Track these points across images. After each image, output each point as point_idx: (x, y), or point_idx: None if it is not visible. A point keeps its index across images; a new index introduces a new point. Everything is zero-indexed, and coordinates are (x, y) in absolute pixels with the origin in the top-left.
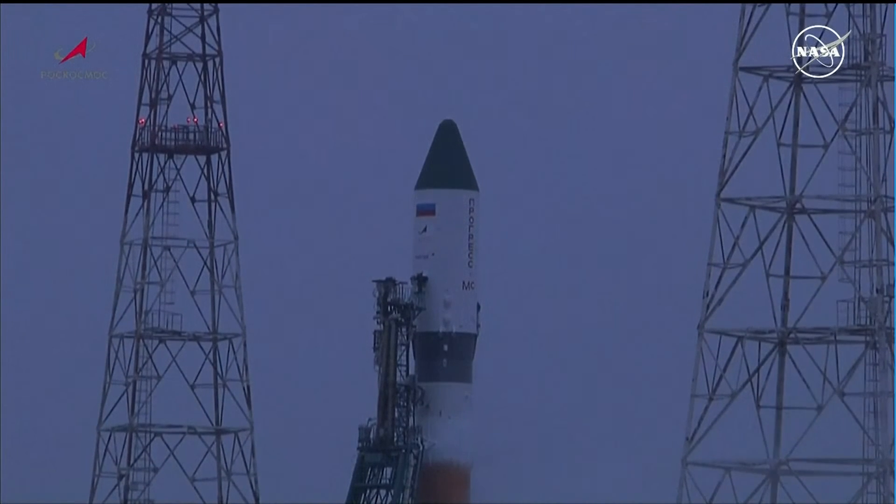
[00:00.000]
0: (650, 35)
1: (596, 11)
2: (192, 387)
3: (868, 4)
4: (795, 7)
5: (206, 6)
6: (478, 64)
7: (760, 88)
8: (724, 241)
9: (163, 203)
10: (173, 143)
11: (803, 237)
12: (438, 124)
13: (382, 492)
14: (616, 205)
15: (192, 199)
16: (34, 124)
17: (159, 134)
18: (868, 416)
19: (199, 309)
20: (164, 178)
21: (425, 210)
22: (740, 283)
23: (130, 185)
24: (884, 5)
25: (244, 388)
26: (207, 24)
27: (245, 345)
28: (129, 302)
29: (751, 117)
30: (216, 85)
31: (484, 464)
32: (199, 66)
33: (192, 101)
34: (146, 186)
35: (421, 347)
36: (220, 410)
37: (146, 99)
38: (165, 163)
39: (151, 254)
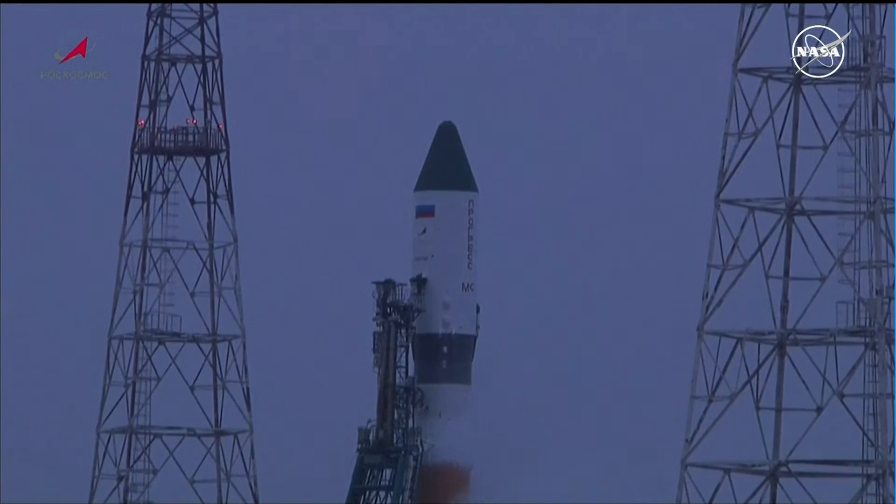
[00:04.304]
0: (650, 36)
1: (595, 12)
2: (192, 388)
3: (867, 5)
4: (795, 8)
5: (206, 7)
6: (477, 65)
7: (760, 90)
8: (724, 243)
9: (162, 205)
10: (172, 144)
11: (802, 238)
12: (438, 126)
13: (382, 493)
14: (615, 206)
15: (192, 201)
16: (34, 124)
17: (158, 135)
18: (867, 417)
19: (198, 311)
20: (164, 180)
21: (425, 211)
22: (739, 285)
23: (130, 187)
24: (883, 6)
25: (243, 390)
26: (207, 25)
27: (244, 346)
28: (128, 304)
29: (750, 118)
30: (215, 86)
31: (483, 465)
32: (199, 67)
33: (191, 102)
34: (145, 188)
35: (420, 349)
36: (220, 412)
37: (145, 100)
38: (165, 164)
39: (151, 255)
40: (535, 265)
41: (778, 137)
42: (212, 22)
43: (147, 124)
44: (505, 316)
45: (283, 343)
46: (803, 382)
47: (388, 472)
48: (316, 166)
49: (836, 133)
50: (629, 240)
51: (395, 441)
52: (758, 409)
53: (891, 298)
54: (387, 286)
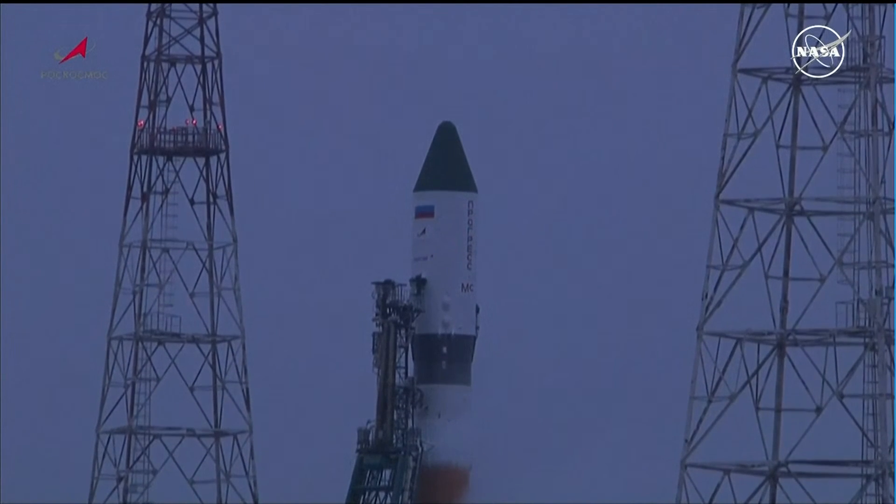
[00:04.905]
0: (649, 37)
1: (595, 13)
2: (191, 389)
3: (867, 5)
4: (794, 8)
5: (205, 8)
6: (477, 65)
7: (759, 90)
8: (723, 243)
9: (162, 205)
10: (172, 145)
11: (802, 239)
12: (437, 126)
13: (381, 494)
14: (615, 207)
15: (191, 202)
16: (34, 124)
17: (158, 136)
18: (867, 417)
19: (198, 311)
20: (163, 181)
21: (424, 212)
22: (739, 285)
23: (129, 188)
24: (883, 6)
25: (243, 391)
26: (206, 25)
27: (244, 347)
28: (128, 304)
29: (750, 119)
30: (215, 87)
31: (483, 465)
32: (198, 68)
33: (190, 103)
34: (145, 189)
35: (420, 349)
36: (219, 413)
37: (145, 101)
38: (164, 165)
39: (150, 256)
40: (534, 266)
41: (777, 138)
42: (211, 22)
43: (147, 125)
44: (504, 316)
45: (283, 343)
46: (803, 383)
47: (387, 473)
48: (316, 166)
49: (836, 133)
50: (629, 240)
51: (394, 441)
52: (757, 409)
53: (890, 299)
54: (386, 287)
